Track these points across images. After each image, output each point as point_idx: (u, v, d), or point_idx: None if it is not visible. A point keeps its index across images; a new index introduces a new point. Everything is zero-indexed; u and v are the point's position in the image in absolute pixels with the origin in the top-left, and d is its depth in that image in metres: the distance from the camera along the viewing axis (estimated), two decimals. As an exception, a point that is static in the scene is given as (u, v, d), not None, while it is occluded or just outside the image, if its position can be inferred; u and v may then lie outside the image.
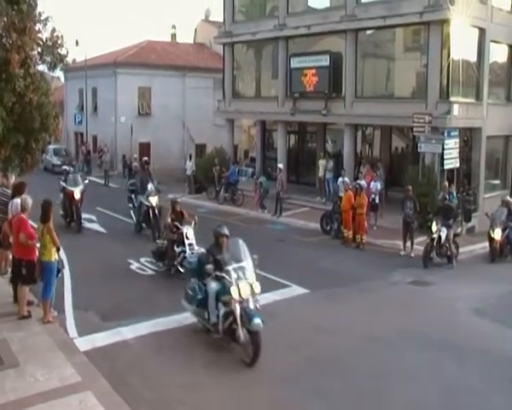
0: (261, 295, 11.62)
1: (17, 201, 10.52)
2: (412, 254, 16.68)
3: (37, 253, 9.71)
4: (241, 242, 9.30)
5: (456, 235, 16.51)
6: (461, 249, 16.85)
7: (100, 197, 25.87)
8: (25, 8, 10.09)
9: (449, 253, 15.76)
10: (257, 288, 8.85)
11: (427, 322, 10.96)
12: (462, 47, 20.49)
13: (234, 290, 8.57)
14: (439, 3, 20.08)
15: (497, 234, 17.00)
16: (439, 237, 15.65)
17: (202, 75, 38.21)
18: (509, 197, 17.83)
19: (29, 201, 10.02)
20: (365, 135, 27.22)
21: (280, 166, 23.98)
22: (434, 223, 15.65)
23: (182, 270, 12.44)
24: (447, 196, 17.17)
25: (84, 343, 9.01)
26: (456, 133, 19.47)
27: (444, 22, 20.22)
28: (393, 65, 23.75)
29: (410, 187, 17.37)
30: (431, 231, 15.68)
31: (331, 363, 8.76)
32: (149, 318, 10.25)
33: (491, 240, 17.13)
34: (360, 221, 17.80)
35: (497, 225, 17.04)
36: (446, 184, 18.19)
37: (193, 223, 13.14)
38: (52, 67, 11.40)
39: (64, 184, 18.90)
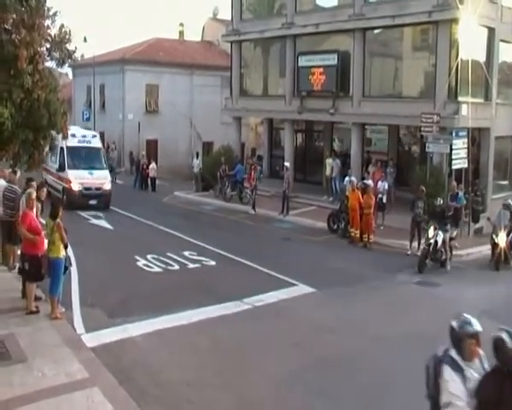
0: (267, 294, 11.76)
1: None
2: (419, 254, 16.58)
3: (44, 249, 9.77)
4: None
5: (451, 239, 16.16)
6: (469, 250, 16.76)
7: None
8: (33, 4, 10.14)
9: (443, 257, 15.40)
10: None
11: (434, 323, 10.86)
12: (471, 46, 20.33)
13: None
14: (447, 3, 19.99)
15: (502, 240, 15.94)
16: (436, 241, 15.33)
17: (210, 73, 38.27)
18: (510, 200, 17.10)
19: (32, 194, 10.07)
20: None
21: (287, 164, 23.95)
22: (432, 228, 15.31)
23: None
24: (442, 201, 16.64)
25: (91, 340, 9.03)
26: (465, 133, 19.36)
27: (452, 21, 20.14)
28: (401, 64, 23.68)
29: (423, 188, 17.23)
30: (427, 236, 15.32)
31: (337, 363, 8.73)
32: (156, 315, 10.26)
33: (495, 246, 16.03)
34: (367, 221, 17.76)
35: (500, 229, 16.05)
36: (455, 184, 18.05)
37: None
38: (60, 63, 11.44)
39: None
